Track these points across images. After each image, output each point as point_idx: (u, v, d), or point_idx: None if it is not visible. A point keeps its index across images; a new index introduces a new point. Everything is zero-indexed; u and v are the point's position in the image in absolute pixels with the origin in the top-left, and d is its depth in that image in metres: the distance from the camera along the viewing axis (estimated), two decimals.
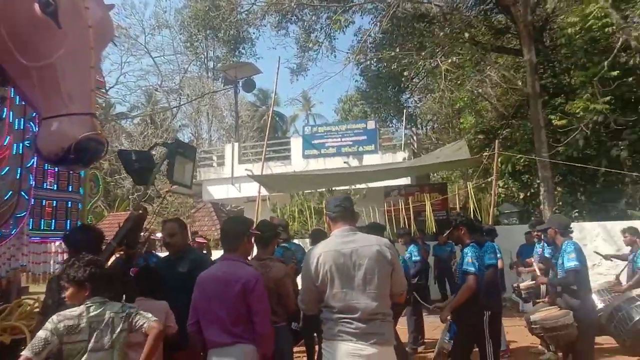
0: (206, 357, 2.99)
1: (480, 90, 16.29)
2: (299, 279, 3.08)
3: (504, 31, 16.73)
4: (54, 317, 2.54)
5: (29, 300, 4.64)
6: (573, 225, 5.46)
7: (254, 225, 3.46)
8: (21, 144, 4.43)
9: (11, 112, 4.39)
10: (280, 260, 3.78)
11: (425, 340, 7.08)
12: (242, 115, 25.27)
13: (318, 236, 4.99)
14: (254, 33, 23.03)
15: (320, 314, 2.81)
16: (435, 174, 20.58)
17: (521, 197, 15.75)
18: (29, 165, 4.51)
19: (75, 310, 2.58)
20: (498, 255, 6.39)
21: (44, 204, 4.90)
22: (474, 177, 15.02)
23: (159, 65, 26.35)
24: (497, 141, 10.26)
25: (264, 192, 10.61)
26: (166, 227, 3.77)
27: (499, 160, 10.72)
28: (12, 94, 4.27)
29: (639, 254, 6.19)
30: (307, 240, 8.57)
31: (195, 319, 3.01)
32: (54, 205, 5.02)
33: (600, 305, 6.17)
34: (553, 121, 12.60)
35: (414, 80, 17.54)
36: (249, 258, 3.38)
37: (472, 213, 11.17)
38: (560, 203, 13.44)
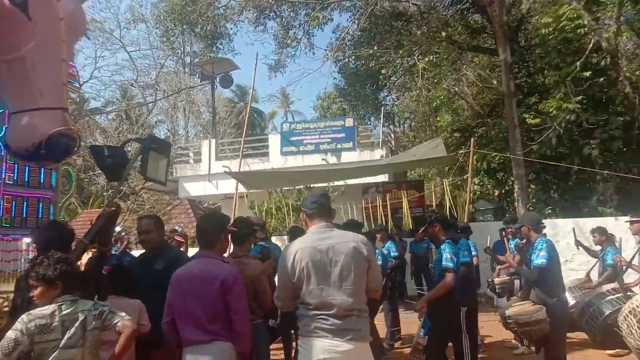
0: (181, 356, 2.96)
1: (456, 89, 16.50)
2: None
3: (480, 31, 16.98)
4: (24, 317, 2.49)
5: None
6: (546, 222, 5.60)
7: (230, 222, 3.44)
8: None
9: None
10: (256, 257, 3.77)
11: (402, 336, 7.16)
12: (219, 111, 25.01)
13: (296, 233, 4.98)
14: (231, 29, 22.94)
15: (297, 310, 2.81)
16: (413, 172, 20.78)
17: (496, 194, 16.01)
18: None
19: (47, 309, 2.54)
20: (473, 252, 6.50)
21: (14, 200, 4.78)
22: (450, 175, 15.22)
23: (135, 60, 25.88)
24: (472, 139, 10.39)
25: (241, 189, 10.53)
26: (141, 224, 3.71)
27: (475, 158, 10.87)
28: None
29: (607, 251, 6.37)
30: (285, 238, 8.57)
31: (171, 317, 2.98)
32: (25, 202, 4.89)
33: (571, 301, 6.33)
34: (527, 120, 12.83)
35: (391, 78, 17.68)
36: (224, 255, 3.35)
37: (448, 210, 11.31)
38: (534, 200, 13.71)
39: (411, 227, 11.57)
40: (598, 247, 6.74)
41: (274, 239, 11.70)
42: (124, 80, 27.47)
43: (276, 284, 2.98)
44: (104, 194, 21.04)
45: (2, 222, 4.72)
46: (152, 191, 19.06)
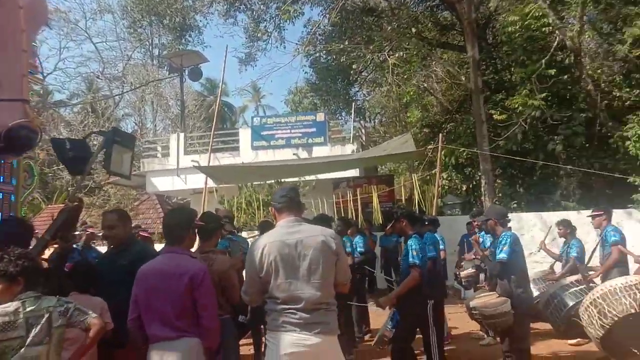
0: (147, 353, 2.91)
1: (426, 85, 16.71)
2: None
3: (449, 28, 17.23)
4: None
5: None
6: (512, 215, 5.73)
7: (197, 217, 3.39)
8: None
9: None
10: (223, 252, 3.73)
11: (370, 329, 7.23)
12: (188, 104, 24.64)
13: (266, 228, 4.94)
14: (201, 21, 22.56)
15: (265, 305, 2.80)
16: (383, 167, 20.97)
17: (464, 189, 16.32)
18: None
19: (9, 306, 2.47)
20: (441, 246, 6.60)
21: None
22: (420, 170, 15.43)
23: (101, 52, 25.28)
24: (441, 135, 10.55)
25: (211, 183, 10.42)
26: (105, 220, 3.63)
27: (443, 153, 11.05)
28: None
29: (571, 244, 6.55)
30: (256, 233, 8.52)
31: (136, 314, 2.91)
32: None
33: (535, 293, 6.50)
34: (494, 116, 13.09)
35: (362, 73, 17.77)
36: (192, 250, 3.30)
37: (417, 204, 11.48)
38: (500, 194, 14.03)
39: (381, 221, 11.70)
40: (562, 240, 6.93)
41: (244, 234, 11.66)
42: (89, 72, 26.86)
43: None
44: (69, 189, 20.50)
45: None
46: (119, 186, 18.67)
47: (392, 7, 15.46)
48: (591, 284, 5.79)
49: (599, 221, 6.05)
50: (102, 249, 7.13)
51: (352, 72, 16.24)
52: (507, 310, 4.38)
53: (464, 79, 15.80)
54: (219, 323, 3.00)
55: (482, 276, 6.09)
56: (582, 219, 7.24)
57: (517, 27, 12.26)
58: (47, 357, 2.50)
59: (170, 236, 3.07)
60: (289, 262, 2.71)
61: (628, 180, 10.63)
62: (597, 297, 4.83)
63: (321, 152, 13.77)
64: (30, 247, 3.11)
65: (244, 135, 15.07)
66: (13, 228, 3.04)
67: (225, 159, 14.42)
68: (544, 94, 11.86)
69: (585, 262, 6.44)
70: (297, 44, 17.36)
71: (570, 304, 5.88)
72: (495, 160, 13.15)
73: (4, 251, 2.62)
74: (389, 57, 14.39)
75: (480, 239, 6.96)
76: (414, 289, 4.29)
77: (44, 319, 2.49)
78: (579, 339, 5.91)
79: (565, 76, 12.61)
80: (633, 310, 4.54)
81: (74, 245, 4.57)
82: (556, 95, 12.85)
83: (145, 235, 6.88)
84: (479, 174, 13.47)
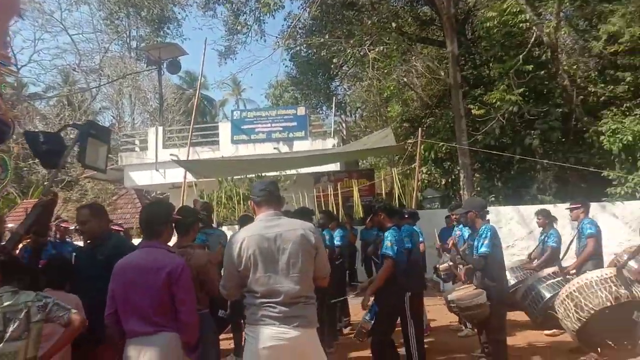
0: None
1: (406, 80, 16.76)
2: None
3: (429, 23, 17.29)
4: None
5: None
6: (490, 209, 5.79)
7: (175, 211, 3.35)
8: None
9: None
10: (201, 246, 3.70)
11: (350, 321, 7.27)
12: (167, 98, 24.33)
13: (246, 222, 4.92)
14: (179, 13, 22.24)
15: (244, 299, 2.79)
16: (364, 161, 21.03)
17: (443, 183, 16.45)
18: None
19: None
20: (420, 239, 6.65)
21: None
22: (400, 164, 15.52)
23: (77, 44, 24.70)
24: (420, 129, 10.61)
25: (190, 178, 10.32)
26: (78, 215, 3.57)
27: (422, 147, 11.12)
28: None
29: (549, 233, 6.66)
30: (237, 227, 8.47)
31: (113, 309, 2.88)
32: None
33: (513, 281, 6.61)
34: (472, 111, 13.22)
35: (343, 67, 17.74)
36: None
37: (397, 198, 11.56)
38: (479, 188, 14.19)
39: (362, 215, 11.74)
40: (539, 233, 7.04)
41: (224, 229, 11.59)
42: (65, 65, 26.26)
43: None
44: (45, 183, 20.09)
45: None
46: (96, 180, 18.38)
47: (372, 1, 15.45)
48: (568, 276, 5.88)
49: (576, 214, 6.11)
50: (80, 243, 7.02)
51: (332, 66, 16.19)
52: (482, 302, 4.43)
53: (443, 74, 15.90)
54: (198, 318, 2.98)
55: (460, 268, 6.15)
56: (558, 212, 7.36)
57: (495, 22, 12.37)
58: (25, 352, 2.47)
59: (147, 230, 3.03)
60: (268, 256, 2.70)
61: (602, 175, 10.87)
62: (574, 291, 4.90)
63: (302, 146, 13.75)
64: (2, 242, 3.04)
65: (224, 129, 14.95)
66: None
67: (204, 153, 14.30)
68: (522, 89, 12.01)
69: (562, 255, 6.55)
70: (277, 37, 17.22)
71: (548, 295, 5.97)
72: (473, 154, 13.29)
73: None
74: (369, 51, 14.40)
75: (459, 233, 7.05)
76: (389, 279, 4.32)
77: (22, 314, 2.46)
78: (554, 330, 6.02)
79: (542, 72, 12.79)
80: (609, 303, 4.62)
81: (49, 239, 4.47)
82: (533, 91, 13.03)
83: (118, 229, 6.79)
84: (458, 168, 13.60)
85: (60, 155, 3.23)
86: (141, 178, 15.20)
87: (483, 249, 4.45)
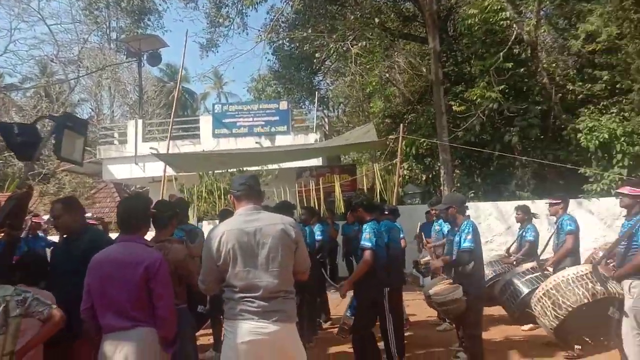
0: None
1: (388, 76, 16.81)
2: None
3: (412, 19, 17.36)
4: None
5: None
6: (469, 204, 5.84)
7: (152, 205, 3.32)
8: None
9: None
10: (179, 241, 3.66)
11: (330, 317, 7.28)
12: (147, 90, 23.95)
13: (226, 216, 4.88)
14: (160, 4, 21.93)
15: (222, 294, 2.77)
16: (346, 156, 21.07)
17: (424, 178, 16.59)
18: None
19: None
20: (400, 234, 6.69)
21: None
22: (382, 160, 15.58)
23: (55, 34, 24.13)
24: (402, 125, 10.66)
25: (170, 172, 10.19)
26: (52, 209, 3.52)
27: (404, 143, 11.18)
28: None
29: (527, 228, 6.74)
30: (217, 222, 8.41)
31: (90, 304, 2.84)
32: None
33: (491, 274, 6.66)
34: (453, 107, 13.32)
35: (326, 62, 17.72)
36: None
37: (378, 193, 11.61)
38: (459, 184, 14.34)
39: (343, 210, 11.76)
40: (517, 228, 7.13)
41: (205, 223, 11.50)
42: (43, 55, 25.67)
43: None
44: (21, 176, 19.67)
45: None
46: (74, 173, 18.05)
47: None
48: (546, 272, 5.93)
49: (555, 209, 6.08)
50: (55, 238, 6.90)
51: (315, 60, 16.16)
52: (458, 297, 4.46)
53: (425, 70, 15.98)
54: (176, 313, 2.95)
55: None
56: (535, 209, 7.46)
57: (477, 20, 12.47)
58: (3, 347, 2.43)
59: (125, 225, 2.99)
60: (248, 251, 2.69)
61: (579, 171, 11.06)
62: (551, 288, 4.92)
63: (284, 140, 13.69)
64: None
65: (205, 123, 14.80)
66: None
67: (185, 147, 14.14)
68: (502, 87, 12.15)
69: (539, 251, 6.63)
70: (259, 30, 17.12)
71: (526, 291, 5.97)
72: (454, 150, 13.41)
73: None
74: (352, 46, 14.40)
75: (438, 228, 7.10)
76: (369, 272, 4.34)
77: (0, 308, 2.42)
78: (531, 325, 6.09)
79: (522, 69, 12.95)
80: (586, 300, 4.67)
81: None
82: (513, 88, 13.19)
83: (93, 222, 6.69)
84: (439, 164, 13.71)
85: (35, 147, 3.15)
86: (120, 172, 14.98)
87: (466, 244, 4.47)
